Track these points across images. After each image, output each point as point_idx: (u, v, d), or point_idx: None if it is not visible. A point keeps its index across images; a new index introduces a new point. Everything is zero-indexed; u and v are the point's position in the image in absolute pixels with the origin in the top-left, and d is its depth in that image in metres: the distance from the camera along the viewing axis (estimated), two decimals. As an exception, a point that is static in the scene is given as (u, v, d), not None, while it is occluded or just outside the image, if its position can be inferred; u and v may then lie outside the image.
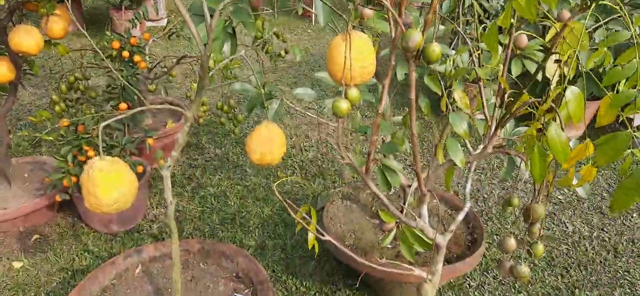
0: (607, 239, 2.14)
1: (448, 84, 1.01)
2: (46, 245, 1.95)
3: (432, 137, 3.00)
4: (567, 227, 2.20)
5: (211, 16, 1.02)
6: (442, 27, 1.28)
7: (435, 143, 0.96)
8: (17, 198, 1.95)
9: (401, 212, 1.42)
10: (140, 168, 2.03)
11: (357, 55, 0.89)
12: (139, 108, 0.89)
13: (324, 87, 3.82)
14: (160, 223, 2.18)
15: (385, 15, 1.28)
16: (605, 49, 0.72)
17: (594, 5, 0.68)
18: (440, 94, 1.03)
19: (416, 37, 0.70)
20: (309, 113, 1.44)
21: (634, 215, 2.32)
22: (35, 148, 2.64)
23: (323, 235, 0.89)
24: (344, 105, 0.78)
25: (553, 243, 2.08)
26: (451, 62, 1.05)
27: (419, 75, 1.15)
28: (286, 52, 2.15)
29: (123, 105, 1.92)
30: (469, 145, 1.12)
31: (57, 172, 1.91)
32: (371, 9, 1.15)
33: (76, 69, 2.10)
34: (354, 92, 0.81)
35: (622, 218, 2.29)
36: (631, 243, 2.12)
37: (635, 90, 0.63)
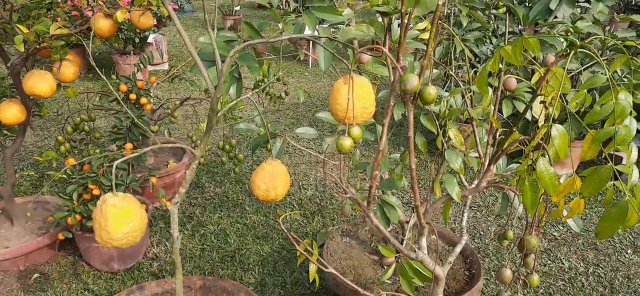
0: (603, 275, 2.16)
1: (443, 123, 1.07)
2: (46, 283, 1.94)
3: (427, 174, 3.05)
4: (563, 263, 2.22)
5: (222, 61, 1.09)
6: (435, 71, 1.36)
7: (432, 178, 1.01)
8: (19, 237, 1.96)
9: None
10: (143, 206, 2.06)
11: (358, 97, 0.96)
12: (150, 147, 0.94)
13: (323, 127, 3.89)
14: (161, 261, 2.18)
15: (383, 61, 1.36)
16: (585, 91, 0.79)
17: (573, 52, 0.75)
18: (436, 133, 1.09)
19: (413, 81, 0.77)
20: (309, 151, 1.49)
21: (629, 251, 2.35)
22: (36, 188, 2.66)
23: (326, 267, 0.92)
24: (347, 142, 0.83)
25: (550, 279, 2.09)
26: (445, 103, 1.12)
27: (415, 115, 1.21)
28: (286, 94, 2.23)
29: (129, 145, 1.96)
30: (464, 180, 1.16)
31: (61, 210, 1.93)
32: (369, 54, 1.23)
33: (82, 110, 2.15)
34: (356, 131, 0.86)
35: (616, 254, 2.32)
36: (627, 279, 2.14)
37: (613, 127, 0.69)
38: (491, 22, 1.98)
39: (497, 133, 1.06)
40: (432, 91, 0.78)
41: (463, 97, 1.12)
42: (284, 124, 3.91)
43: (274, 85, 4.08)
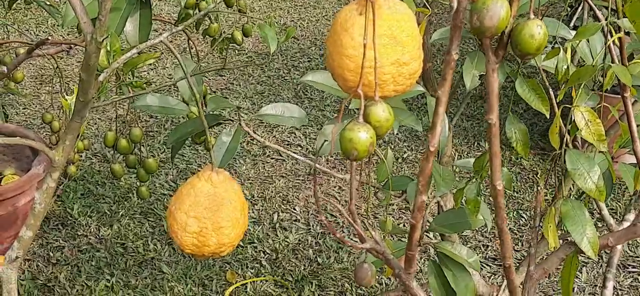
0: None
1: (561, 95, 1.07)
2: None
3: (531, 196, 3.05)
4: None
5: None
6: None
7: (540, 209, 1.02)
8: None
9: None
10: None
11: (387, 40, 0.95)
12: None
13: (317, 102, 3.90)
14: None
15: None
16: None
17: None
18: (547, 115, 1.09)
19: (499, 10, 0.76)
20: (291, 153, 1.49)
21: None
22: None
23: None
24: (363, 135, 0.83)
25: None
26: (568, 54, 1.12)
27: (506, 79, 1.21)
28: (245, 35, 2.22)
29: None
30: (606, 214, 1.17)
31: None
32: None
33: None
34: (381, 112, 0.86)
35: None
36: None
37: None
38: None
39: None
40: (536, 30, 0.77)
41: (604, 39, 1.12)
42: (242, 97, 3.92)
43: (222, 17, 4.07)
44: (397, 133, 3.50)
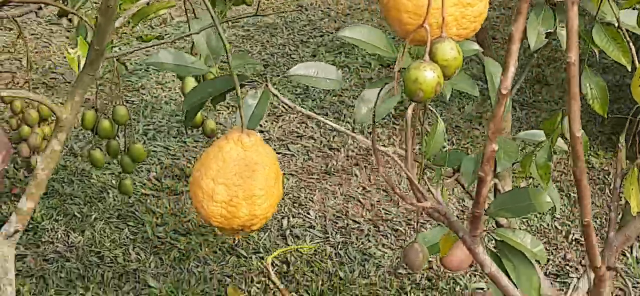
0: None
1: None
2: None
3: (601, 201, 3.19)
4: None
5: None
6: None
7: (621, 170, 1.16)
8: None
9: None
10: None
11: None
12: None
13: (355, 63, 4.00)
14: None
15: None
16: None
17: None
18: (628, 67, 1.23)
19: None
20: (322, 118, 1.63)
21: None
22: None
23: None
24: (429, 74, 0.98)
25: None
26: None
27: (583, 28, 1.35)
28: (248, 2, 2.36)
29: None
30: None
31: None
32: None
33: None
34: (448, 49, 1.01)
35: None
36: None
37: None
38: None
39: None
40: None
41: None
42: (268, 53, 4.05)
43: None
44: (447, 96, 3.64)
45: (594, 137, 3.56)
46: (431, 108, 1.42)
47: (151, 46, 1.59)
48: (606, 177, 3.35)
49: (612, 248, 1.27)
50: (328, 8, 4.83)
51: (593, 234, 1.08)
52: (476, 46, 1.62)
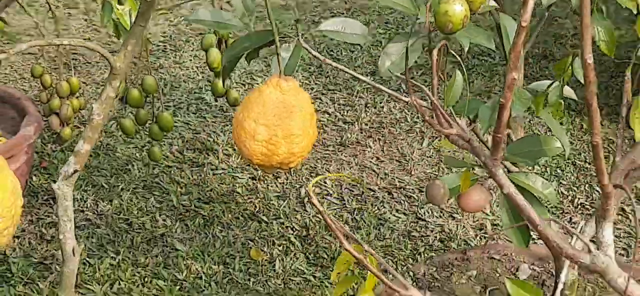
0: None
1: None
2: None
3: (614, 133, 3.31)
4: None
5: None
6: None
7: (627, 99, 1.28)
8: None
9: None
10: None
11: None
12: None
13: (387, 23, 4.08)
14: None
15: None
16: None
17: None
18: (634, 10, 1.35)
19: None
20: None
21: None
22: None
23: None
24: (458, 8, 1.11)
25: None
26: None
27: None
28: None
29: None
30: None
31: None
32: None
33: None
34: (475, -14, 1.13)
35: None
36: None
37: None
38: None
39: None
40: None
41: None
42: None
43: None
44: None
45: (599, 108, 3.68)
46: (455, 56, 1.53)
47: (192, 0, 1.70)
48: (611, 144, 3.47)
49: (619, 170, 1.39)
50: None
51: (601, 153, 1.20)
52: (492, 2, 1.74)
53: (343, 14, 4.63)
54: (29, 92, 3.87)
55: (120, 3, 2.07)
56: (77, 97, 2.98)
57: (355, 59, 4.22)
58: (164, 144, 3.48)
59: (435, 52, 1.30)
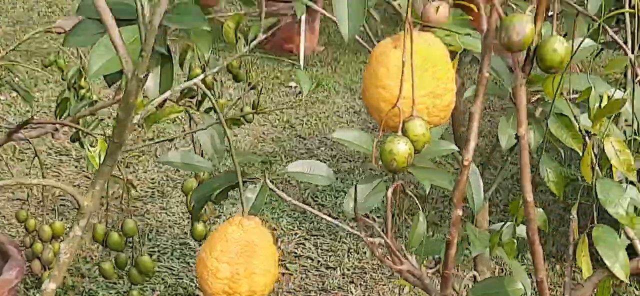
0: None
1: (594, 128, 1.39)
2: None
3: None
4: None
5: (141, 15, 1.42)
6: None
7: (573, 238, 1.32)
8: None
9: None
10: None
11: (423, 71, 1.27)
12: None
13: (345, 161, 4.10)
14: None
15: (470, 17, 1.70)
16: None
17: None
18: (580, 152, 1.40)
19: (524, 26, 1.09)
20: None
21: None
22: None
23: None
24: (402, 147, 1.14)
25: None
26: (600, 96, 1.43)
27: (543, 119, 1.53)
28: (254, 110, 2.55)
29: None
30: (638, 243, 1.46)
31: None
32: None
33: None
34: (418, 126, 1.17)
35: None
36: None
37: None
38: None
39: None
40: (559, 46, 1.10)
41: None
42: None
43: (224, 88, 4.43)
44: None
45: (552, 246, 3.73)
46: (413, 197, 1.57)
47: (159, 142, 1.75)
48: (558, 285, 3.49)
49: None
50: (324, 137, 5.01)
51: (546, 289, 1.23)
52: (453, 146, 1.79)
53: (329, 160, 4.70)
54: (17, 237, 3.88)
55: (92, 145, 2.13)
56: (60, 241, 3.00)
57: (340, 204, 4.26)
58: (147, 289, 3.48)
59: (389, 192, 1.35)
